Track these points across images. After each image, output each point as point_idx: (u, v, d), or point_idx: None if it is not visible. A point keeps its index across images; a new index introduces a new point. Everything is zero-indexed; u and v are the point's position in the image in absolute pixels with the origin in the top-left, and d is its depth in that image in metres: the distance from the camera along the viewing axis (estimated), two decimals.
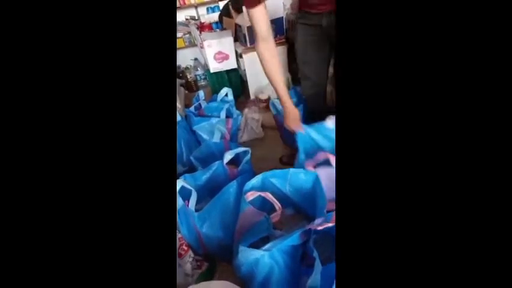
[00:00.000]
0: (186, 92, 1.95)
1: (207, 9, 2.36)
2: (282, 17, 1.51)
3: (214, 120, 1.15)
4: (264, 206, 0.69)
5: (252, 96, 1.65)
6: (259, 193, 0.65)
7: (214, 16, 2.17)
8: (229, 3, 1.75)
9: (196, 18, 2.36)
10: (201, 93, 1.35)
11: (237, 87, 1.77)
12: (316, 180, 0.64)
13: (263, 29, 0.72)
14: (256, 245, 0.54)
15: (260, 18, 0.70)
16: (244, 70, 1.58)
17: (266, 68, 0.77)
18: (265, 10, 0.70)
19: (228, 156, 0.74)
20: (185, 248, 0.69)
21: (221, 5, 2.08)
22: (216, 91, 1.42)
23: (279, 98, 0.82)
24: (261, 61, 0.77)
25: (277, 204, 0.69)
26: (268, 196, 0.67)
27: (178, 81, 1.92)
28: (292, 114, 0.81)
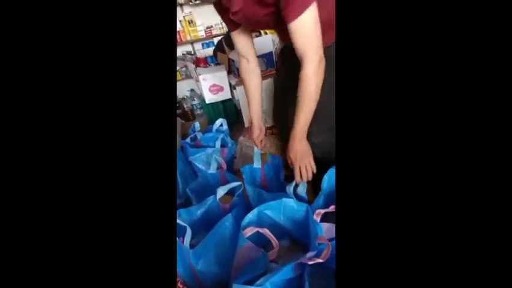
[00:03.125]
0: (183, 122, 2.01)
1: (202, 44, 2.54)
2: (272, 52, 1.64)
3: (210, 150, 1.18)
4: (260, 239, 0.70)
5: (246, 125, 1.71)
6: (257, 229, 0.66)
7: (209, 51, 2.32)
8: (223, 40, 1.90)
9: (192, 53, 2.52)
10: (197, 124, 1.41)
11: (232, 115, 1.84)
12: (307, 210, 0.65)
13: (241, 49, 0.85)
14: (253, 281, 0.54)
15: (239, 39, 0.82)
16: (238, 100, 1.66)
17: (244, 88, 0.91)
18: (245, 32, 0.81)
19: (221, 192, 0.76)
20: (181, 286, 0.68)
21: (215, 41, 2.24)
22: (212, 120, 1.48)
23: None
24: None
25: (275, 242, 0.69)
26: (266, 232, 0.68)
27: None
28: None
